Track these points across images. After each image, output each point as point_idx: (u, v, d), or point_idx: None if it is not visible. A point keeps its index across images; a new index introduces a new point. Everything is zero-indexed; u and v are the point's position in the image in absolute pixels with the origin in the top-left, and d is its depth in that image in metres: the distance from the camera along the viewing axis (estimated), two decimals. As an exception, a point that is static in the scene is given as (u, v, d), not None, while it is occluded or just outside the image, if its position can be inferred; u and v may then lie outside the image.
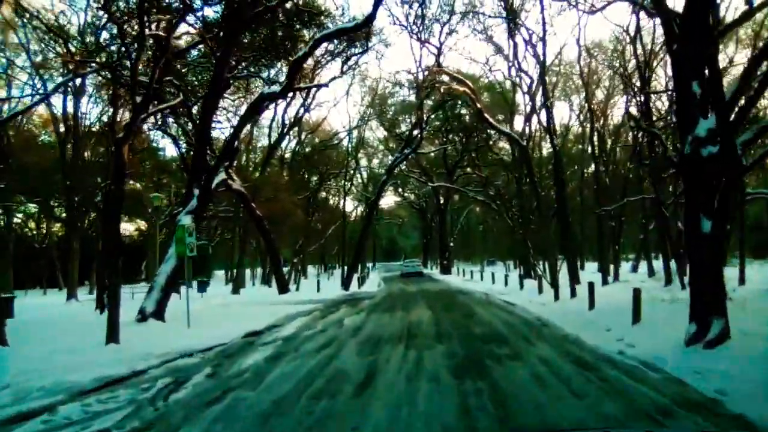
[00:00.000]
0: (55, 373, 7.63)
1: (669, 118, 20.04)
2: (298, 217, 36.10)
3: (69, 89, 29.30)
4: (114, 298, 12.13)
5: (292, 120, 34.92)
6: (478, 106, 24.14)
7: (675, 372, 6.91)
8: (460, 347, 9.20)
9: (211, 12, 23.51)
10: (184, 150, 27.61)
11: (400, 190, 61.35)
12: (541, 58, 22.64)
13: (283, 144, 39.66)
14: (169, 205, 35.04)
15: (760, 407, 5.21)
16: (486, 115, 24.90)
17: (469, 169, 42.86)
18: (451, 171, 44.39)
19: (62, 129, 31.87)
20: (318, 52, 31.06)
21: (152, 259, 32.69)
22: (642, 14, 19.59)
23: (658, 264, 33.97)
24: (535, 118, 29.73)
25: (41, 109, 31.68)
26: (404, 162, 44.36)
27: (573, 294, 17.75)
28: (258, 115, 26.36)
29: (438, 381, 6.94)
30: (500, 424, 5.23)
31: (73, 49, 21.91)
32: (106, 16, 17.73)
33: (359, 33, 23.83)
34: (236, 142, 19.53)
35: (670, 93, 20.21)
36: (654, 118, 20.75)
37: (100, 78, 23.94)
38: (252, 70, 24.36)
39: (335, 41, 27.72)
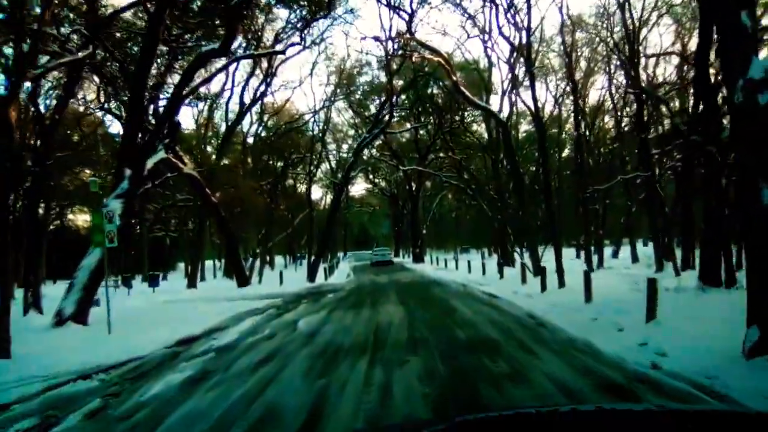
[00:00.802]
0: None
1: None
2: (261, 205, 33.68)
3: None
4: (4, 298, 9.68)
5: (252, 100, 32.17)
6: (454, 78, 21.87)
7: (750, 401, 4.84)
8: (441, 362, 6.94)
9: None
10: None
11: (371, 176, 59.21)
12: (525, 22, 20.39)
13: (246, 128, 36.91)
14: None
15: None
16: (462, 88, 22.66)
17: (442, 154, 40.73)
18: (424, 155, 42.28)
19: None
20: (278, 25, 28.50)
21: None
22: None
23: (642, 249, 32.66)
24: (513, 96, 27.88)
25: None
26: (374, 144, 42.12)
27: (561, 284, 15.87)
28: (203, 83, 23.72)
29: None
30: None
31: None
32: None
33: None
34: (175, 116, 16.86)
35: (678, 53, 18.28)
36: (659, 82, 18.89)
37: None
38: (199, 38, 21.64)
39: (295, 8, 25.20)
